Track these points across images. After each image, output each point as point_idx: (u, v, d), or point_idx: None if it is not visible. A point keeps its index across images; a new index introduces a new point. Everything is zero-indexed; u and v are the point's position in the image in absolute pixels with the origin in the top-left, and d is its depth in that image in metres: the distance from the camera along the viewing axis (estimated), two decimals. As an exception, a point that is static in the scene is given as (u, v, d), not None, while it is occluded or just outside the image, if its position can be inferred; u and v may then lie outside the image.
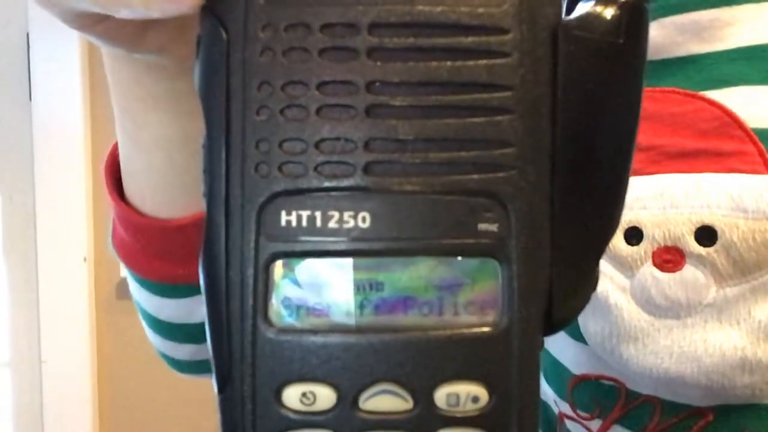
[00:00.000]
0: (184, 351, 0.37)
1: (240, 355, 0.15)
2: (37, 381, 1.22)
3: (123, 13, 0.17)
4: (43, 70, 1.16)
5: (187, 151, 0.29)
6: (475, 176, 0.15)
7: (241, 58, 0.15)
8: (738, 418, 0.33)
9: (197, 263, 0.36)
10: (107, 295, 1.21)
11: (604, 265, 0.33)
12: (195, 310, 0.35)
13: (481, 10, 0.15)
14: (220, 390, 0.16)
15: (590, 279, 0.17)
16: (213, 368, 0.16)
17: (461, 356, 0.16)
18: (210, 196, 0.16)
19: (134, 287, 0.36)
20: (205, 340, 0.39)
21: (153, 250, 0.33)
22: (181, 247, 0.32)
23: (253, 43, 0.15)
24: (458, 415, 0.16)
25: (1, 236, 1.18)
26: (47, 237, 1.18)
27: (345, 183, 0.15)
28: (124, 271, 1.22)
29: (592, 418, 0.37)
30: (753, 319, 0.31)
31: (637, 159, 0.34)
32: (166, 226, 0.31)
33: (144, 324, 0.38)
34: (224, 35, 0.15)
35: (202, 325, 0.38)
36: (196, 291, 0.34)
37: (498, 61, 0.15)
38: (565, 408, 0.38)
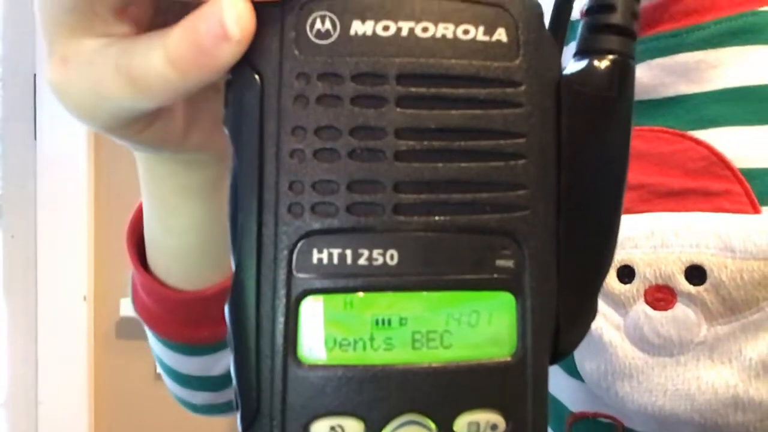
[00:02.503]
0: (201, 397, 0.38)
1: (270, 392, 0.16)
2: (33, 422, 1.20)
3: (161, 90, 0.17)
4: (49, 111, 1.18)
5: (216, 231, 0.30)
6: (494, 216, 0.16)
7: (276, 105, 0.16)
8: (733, 457, 0.33)
9: (221, 326, 0.36)
10: (106, 334, 1.20)
11: (599, 303, 0.33)
12: (215, 365, 0.36)
13: (496, 64, 0.16)
14: (246, 429, 0.16)
15: (591, 309, 0.18)
16: (239, 407, 0.16)
17: (481, 386, 0.16)
18: (241, 235, 0.16)
19: (154, 343, 0.36)
20: (222, 388, 0.40)
21: (176, 317, 0.33)
22: (206, 315, 0.32)
23: (287, 90, 0.16)
24: None
25: (1, 274, 1.18)
26: (47, 275, 1.19)
27: (375, 223, 0.16)
28: (123, 311, 1.21)
29: (589, 457, 0.37)
30: (744, 357, 0.31)
31: (627, 198, 0.34)
32: (193, 298, 0.32)
33: (161, 372, 0.38)
34: (258, 82, 0.16)
35: (221, 377, 0.38)
36: (218, 348, 0.35)
37: (512, 110, 0.16)
38: (563, 447, 0.38)
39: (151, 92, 0.17)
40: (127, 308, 1.15)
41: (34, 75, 1.18)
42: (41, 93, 1.18)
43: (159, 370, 0.38)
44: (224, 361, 0.36)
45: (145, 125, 0.21)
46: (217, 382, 0.36)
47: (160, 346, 0.35)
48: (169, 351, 0.35)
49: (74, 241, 1.17)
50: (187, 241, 0.30)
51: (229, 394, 0.37)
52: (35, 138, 1.19)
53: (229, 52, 0.16)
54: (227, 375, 0.36)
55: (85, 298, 1.17)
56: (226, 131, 0.17)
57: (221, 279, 0.32)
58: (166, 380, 0.38)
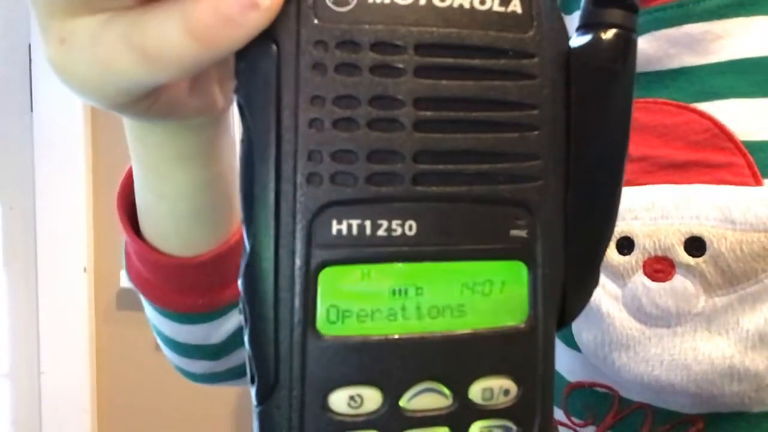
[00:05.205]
0: (200, 366, 0.38)
1: (289, 364, 0.16)
2: (36, 392, 1.22)
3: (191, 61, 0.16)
4: (45, 81, 1.17)
5: (209, 195, 0.30)
6: (508, 186, 0.16)
7: (294, 73, 0.15)
8: (728, 426, 0.33)
9: (218, 293, 0.36)
10: (107, 306, 1.21)
11: None
12: (213, 332, 0.36)
13: (511, 35, 0.16)
14: (262, 401, 0.16)
15: (593, 278, 0.19)
16: (254, 379, 0.16)
17: (495, 353, 0.17)
18: (257, 206, 0.16)
19: (151, 312, 0.36)
20: (221, 357, 0.40)
21: (172, 284, 0.33)
22: (202, 281, 0.32)
23: (305, 59, 0.15)
24: (491, 408, 0.17)
25: (1, 246, 1.18)
26: (47, 247, 1.19)
27: (394, 193, 0.16)
28: (123, 282, 1.21)
29: (585, 425, 0.37)
30: (741, 329, 0.31)
31: (629, 170, 0.34)
32: (188, 264, 0.32)
33: (159, 341, 0.38)
34: (275, 49, 0.15)
35: (220, 345, 0.38)
36: (215, 316, 0.35)
37: (526, 82, 0.16)
38: (560, 415, 0.39)
39: (169, 67, 0.16)
40: (127, 280, 1.15)
41: (29, 45, 1.17)
42: (37, 64, 1.17)
43: (157, 339, 0.38)
44: (222, 329, 0.35)
45: (153, 100, 0.21)
46: (216, 351, 0.37)
47: (157, 314, 0.35)
48: (166, 319, 0.35)
49: (73, 213, 1.17)
50: (181, 206, 0.30)
51: (229, 362, 0.37)
52: (32, 110, 1.18)
53: (258, 21, 0.15)
54: (226, 343, 0.36)
55: (85, 270, 1.18)
56: (239, 101, 0.16)
57: (216, 245, 0.32)
58: (165, 350, 0.38)
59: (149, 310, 0.36)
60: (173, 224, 0.31)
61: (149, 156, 0.28)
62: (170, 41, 0.16)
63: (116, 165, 1.15)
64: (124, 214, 0.32)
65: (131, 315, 1.20)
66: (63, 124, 1.17)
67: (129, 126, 0.27)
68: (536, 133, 0.16)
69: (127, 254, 0.34)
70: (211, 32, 0.15)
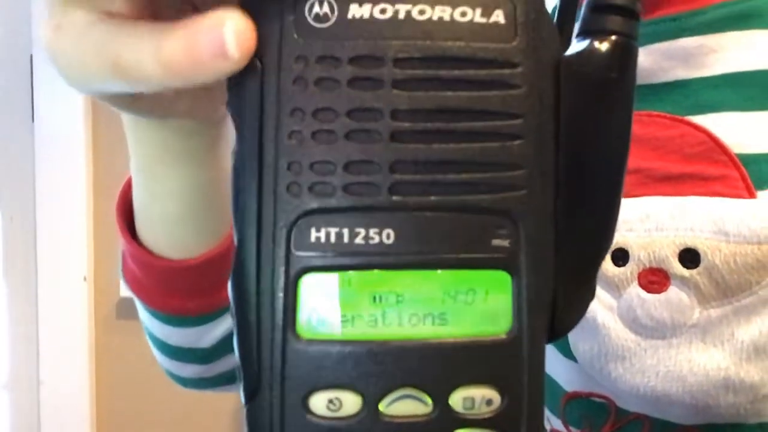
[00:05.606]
0: (190, 370, 0.38)
1: (270, 366, 0.16)
2: (35, 402, 1.21)
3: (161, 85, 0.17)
4: (47, 91, 1.17)
5: (203, 199, 0.30)
6: (490, 196, 0.16)
7: (275, 87, 0.16)
8: (724, 437, 0.33)
9: (209, 297, 0.36)
10: (107, 315, 1.21)
11: None
12: (204, 336, 0.36)
13: (493, 45, 0.16)
14: (248, 400, 0.17)
15: (589, 290, 0.18)
16: (241, 380, 0.17)
17: (476, 362, 0.17)
18: (242, 214, 0.16)
19: (144, 315, 0.37)
20: (210, 361, 0.40)
21: (166, 286, 0.33)
22: (193, 284, 0.33)
23: (286, 73, 0.16)
24: (473, 417, 0.17)
25: (1, 255, 1.18)
26: (47, 256, 1.19)
27: (371, 202, 0.16)
28: (123, 291, 1.21)
29: (582, 436, 0.37)
30: (736, 340, 0.32)
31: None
32: (180, 267, 0.32)
33: (151, 344, 0.39)
34: (259, 65, 0.16)
35: (209, 349, 0.39)
36: (206, 320, 0.35)
37: (510, 92, 0.16)
38: (558, 424, 0.39)
39: (136, 84, 0.17)
40: (127, 289, 1.15)
41: (31, 56, 1.17)
42: (38, 74, 1.17)
43: (149, 342, 0.38)
44: (213, 333, 0.36)
45: (134, 97, 0.21)
46: (206, 355, 0.37)
47: (149, 317, 0.36)
48: (158, 322, 0.35)
49: (74, 223, 1.18)
50: (171, 207, 0.30)
51: (218, 367, 0.37)
52: (33, 120, 1.18)
53: (225, 69, 0.16)
54: (216, 347, 0.36)
55: (85, 279, 1.18)
56: (230, 114, 0.17)
57: (206, 249, 0.32)
58: (156, 353, 0.38)
59: (142, 313, 0.36)
60: (165, 225, 0.31)
61: (145, 154, 0.29)
62: (141, 62, 0.16)
63: (117, 175, 1.16)
64: (122, 217, 0.33)
65: (131, 324, 1.19)
66: (64, 135, 1.17)
67: (126, 121, 0.28)
68: (519, 142, 0.16)
69: (123, 257, 0.35)
70: (181, 68, 0.16)
